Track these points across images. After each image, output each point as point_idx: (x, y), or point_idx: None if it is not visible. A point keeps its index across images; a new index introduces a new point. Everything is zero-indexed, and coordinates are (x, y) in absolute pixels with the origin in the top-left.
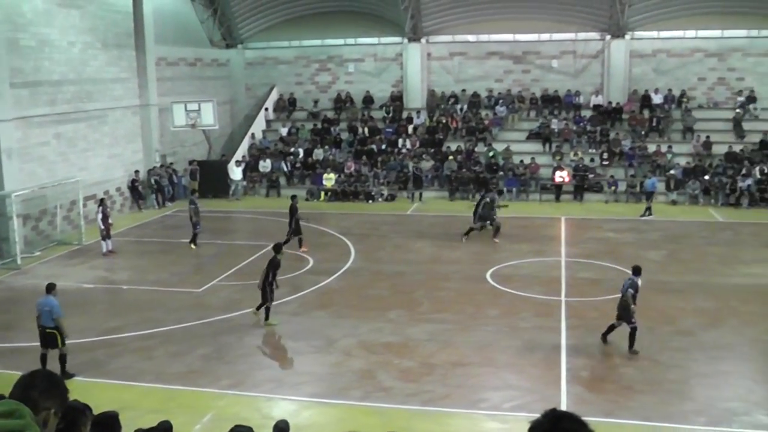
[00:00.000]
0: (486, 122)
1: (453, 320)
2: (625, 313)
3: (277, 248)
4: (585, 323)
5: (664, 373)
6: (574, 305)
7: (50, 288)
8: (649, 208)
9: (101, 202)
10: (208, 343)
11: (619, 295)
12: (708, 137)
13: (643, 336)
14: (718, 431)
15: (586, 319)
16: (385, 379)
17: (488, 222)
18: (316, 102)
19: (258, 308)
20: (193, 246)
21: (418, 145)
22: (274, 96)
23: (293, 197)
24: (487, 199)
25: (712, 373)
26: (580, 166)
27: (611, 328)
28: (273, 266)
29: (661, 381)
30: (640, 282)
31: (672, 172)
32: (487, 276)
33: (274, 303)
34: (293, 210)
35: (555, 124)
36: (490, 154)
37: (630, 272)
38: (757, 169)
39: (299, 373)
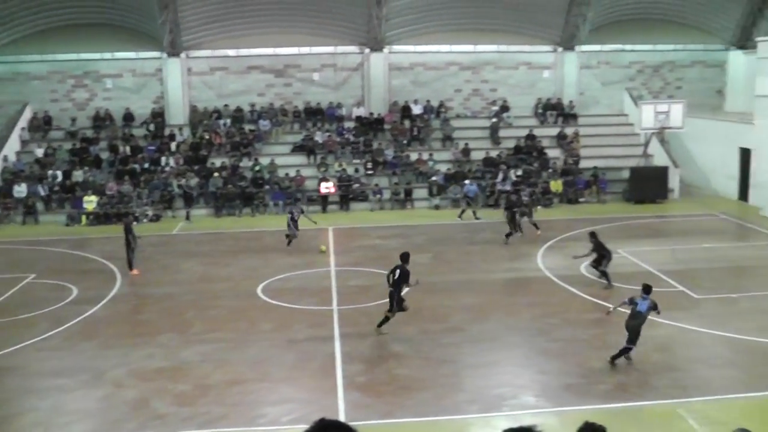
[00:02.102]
0: (250, 137)
1: (226, 338)
2: (634, 334)
3: (405, 258)
4: (358, 330)
5: (437, 369)
6: (346, 313)
7: None
8: (474, 212)
9: None
10: None
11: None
12: (466, 144)
13: (415, 336)
14: (490, 416)
15: (359, 326)
16: (159, 406)
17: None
18: (73, 120)
19: (383, 321)
20: None
21: (182, 162)
22: (27, 114)
23: (126, 215)
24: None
25: (481, 364)
26: (345, 176)
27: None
28: (404, 277)
29: (434, 377)
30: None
31: (434, 178)
32: (258, 291)
33: None
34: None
35: (318, 136)
36: (256, 168)
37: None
38: (512, 172)
39: (67, 412)
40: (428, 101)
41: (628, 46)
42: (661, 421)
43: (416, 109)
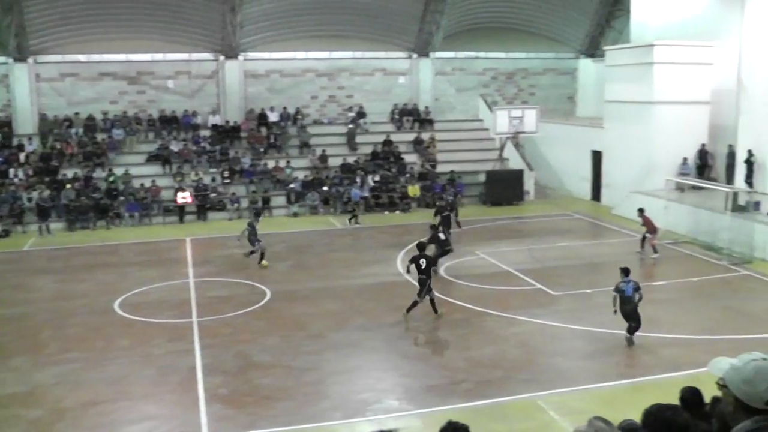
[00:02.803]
0: (103, 146)
1: (82, 358)
2: (635, 316)
3: (423, 246)
4: (218, 341)
5: (300, 378)
6: (206, 324)
7: None
8: (355, 216)
9: None
10: None
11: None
12: (324, 151)
13: (277, 345)
14: (354, 422)
15: (220, 337)
16: None
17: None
18: None
19: (430, 303)
20: None
21: (31, 174)
22: None
23: None
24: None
25: (344, 370)
26: (202, 185)
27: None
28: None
29: (297, 385)
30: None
31: (292, 186)
32: (116, 306)
33: None
34: None
35: (174, 145)
36: (110, 179)
37: (623, 276)
38: (370, 178)
39: None
40: (285, 108)
41: (481, 54)
42: (523, 415)
43: (273, 117)
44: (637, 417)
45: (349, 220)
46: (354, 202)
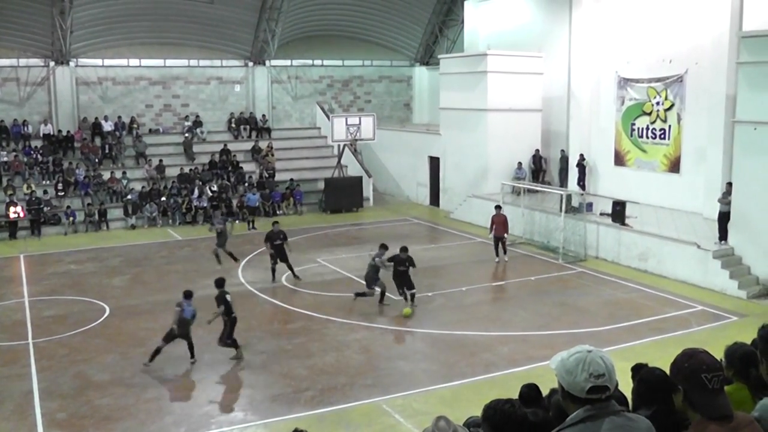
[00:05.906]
0: None
1: None
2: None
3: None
4: (56, 363)
5: (140, 395)
6: (42, 346)
7: None
8: (252, 221)
9: None
10: None
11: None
12: (161, 161)
13: (116, 363)
14: None
15: (57, 358)
16: None
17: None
18: None
19: None
20: None
21: None
22: None
23: None
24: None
25: (185, 385)
26: (34, 199)
27: None
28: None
29: (137, 403)
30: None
31: (128, 197)
32: None
33: None
34: None
35: (4, 156)
36: None
37: None
38: (208, 187)
39: None
40: (119, 117)
41: (317, 61)
42: (368, 419)
43: (107, 126)
44: (479, 413)
45: (249, 227)
46: (250, 207)
